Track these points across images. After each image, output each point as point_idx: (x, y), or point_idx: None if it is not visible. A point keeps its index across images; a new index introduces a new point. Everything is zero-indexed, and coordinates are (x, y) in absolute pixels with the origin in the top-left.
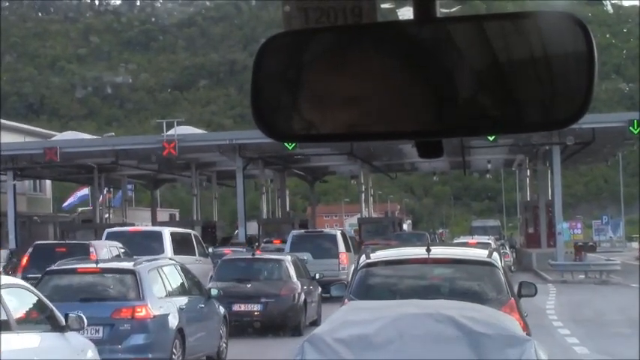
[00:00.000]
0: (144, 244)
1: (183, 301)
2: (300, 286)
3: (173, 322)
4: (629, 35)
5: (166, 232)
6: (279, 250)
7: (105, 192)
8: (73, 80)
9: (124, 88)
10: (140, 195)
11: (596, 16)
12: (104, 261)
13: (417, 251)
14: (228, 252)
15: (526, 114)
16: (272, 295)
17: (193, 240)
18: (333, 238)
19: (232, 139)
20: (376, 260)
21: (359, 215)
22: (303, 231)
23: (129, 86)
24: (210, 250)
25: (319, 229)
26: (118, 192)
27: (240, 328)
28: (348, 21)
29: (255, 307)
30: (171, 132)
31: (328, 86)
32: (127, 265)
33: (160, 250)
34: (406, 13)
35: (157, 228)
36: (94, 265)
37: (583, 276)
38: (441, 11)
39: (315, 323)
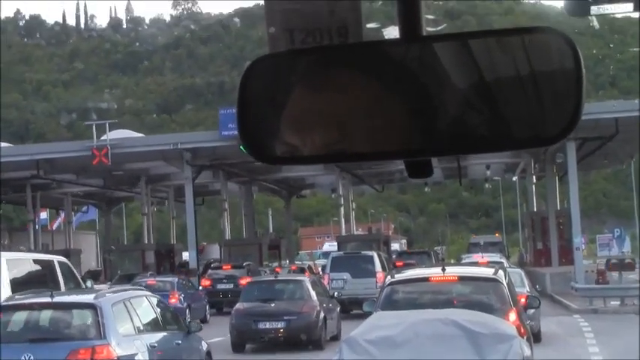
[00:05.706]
0: None
1: (155, 337)
2: (319, 304)
3: None
4: (618, 48)
5: (1, 260)
6: (231, 277)
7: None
8: (59, 105)
9: (111, 111)
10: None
11: (588, 29)
12: (59, 294)
13: (434, 270)
14: (152, 283)
15: (515, 131)
16: (294, 313)
17: (57, 271)
18: (371, 258)
19: (177, 143)
20: (399, 279)
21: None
22: (342, 253)
23: (116, 109)
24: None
25: (356, 251)
26: (77, 214)
27: (266, 344)
28: (334, 41)
29: (279, 325)
30: (104, 137)
31: (315, 107)
32: (87, 298)
33: None
34: (392, 32)
35: None
36: (46, 300)
37: (617, 303)
38: (427, 30)
39: (336, 338)
